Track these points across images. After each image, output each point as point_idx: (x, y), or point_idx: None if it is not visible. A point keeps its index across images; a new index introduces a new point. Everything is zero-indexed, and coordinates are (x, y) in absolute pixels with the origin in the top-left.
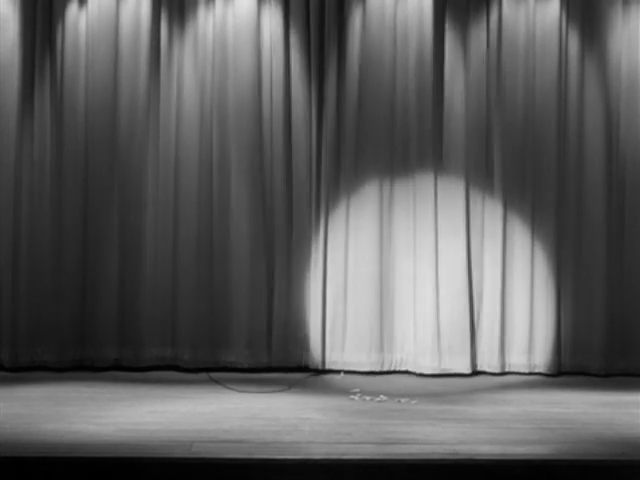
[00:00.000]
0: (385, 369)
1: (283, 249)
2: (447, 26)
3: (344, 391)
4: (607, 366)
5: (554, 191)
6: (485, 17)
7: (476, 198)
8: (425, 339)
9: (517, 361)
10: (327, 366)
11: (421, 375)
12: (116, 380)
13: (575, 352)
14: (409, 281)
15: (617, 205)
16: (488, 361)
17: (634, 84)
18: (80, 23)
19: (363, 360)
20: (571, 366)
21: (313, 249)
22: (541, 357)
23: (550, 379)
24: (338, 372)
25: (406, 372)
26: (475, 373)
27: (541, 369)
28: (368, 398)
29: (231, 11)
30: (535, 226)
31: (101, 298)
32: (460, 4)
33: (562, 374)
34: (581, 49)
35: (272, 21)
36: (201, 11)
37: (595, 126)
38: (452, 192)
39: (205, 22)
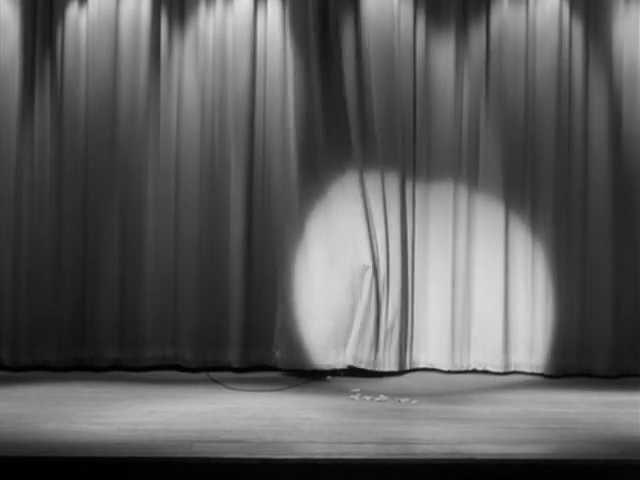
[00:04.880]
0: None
1: (285, 249)
2: (440, 30)
3: (344, 391)
4: (609, 367)
5: (554, 189)
6: (484, 14)
7: (472, 197)
8: (426, 339)
9: (519, 361)
10: (329, 367)
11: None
12: (116, 380)
13: (575, 352)
14: (408, 282)
15: (624, 201)
16: (490, 361)
17: (637, 78)
18: (80, 23)
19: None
20: (573, 366)
21: (316, 249)
22: (542, 357)
23: (551, 379)
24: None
25: (401, 371)
26: (476, 372)
27: (542, 369)
28: (368, 398)
29: (231, 11)
30: (539, 225)
31: (101, 298)
32: (455, 7)
33: (563, 374)
34: (585, 44)
35: (272, 21)
36: (201, 11)
37: (600, 124)
38: (447, 193)
39: (205, 22)
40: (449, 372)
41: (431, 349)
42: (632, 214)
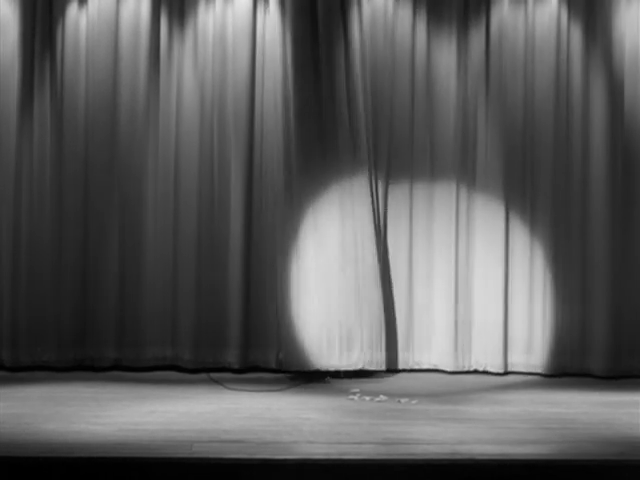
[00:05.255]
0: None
1: (285, 248)
2: (441, 30)
3: (344, 391)
4: (609, 367)
5: (554, 190)
6: (484, 17)
7: (472, 198)
8: (425, 338)
9: (519, 361)
10: (331, 368)
11: (412, 371)
12: (116, 380)
13: (577, 352)
14: (405, 282)
15: (622, 202)
16: (490, 361)
17: (637, 76)
18: (80, 23)
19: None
20: (572, 366)
21: (316, 249)
22: (542, 357)
23: (551, 379)
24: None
25: (401, 371)
26: (477, 373)
27: (542, 369)
28: (368, 398)
29: (231, 10)
30: (537, 225)
31: (101, 297)
32: (456, 7)
33: (563, 374)
34: (584, 41)
35: (271, 20)
36: (201, 10)
37: (599, 123)
38: (448, 194)
39: (205, 21)
40: (451, 373)
41: (434, 350)
42: (631, 214)
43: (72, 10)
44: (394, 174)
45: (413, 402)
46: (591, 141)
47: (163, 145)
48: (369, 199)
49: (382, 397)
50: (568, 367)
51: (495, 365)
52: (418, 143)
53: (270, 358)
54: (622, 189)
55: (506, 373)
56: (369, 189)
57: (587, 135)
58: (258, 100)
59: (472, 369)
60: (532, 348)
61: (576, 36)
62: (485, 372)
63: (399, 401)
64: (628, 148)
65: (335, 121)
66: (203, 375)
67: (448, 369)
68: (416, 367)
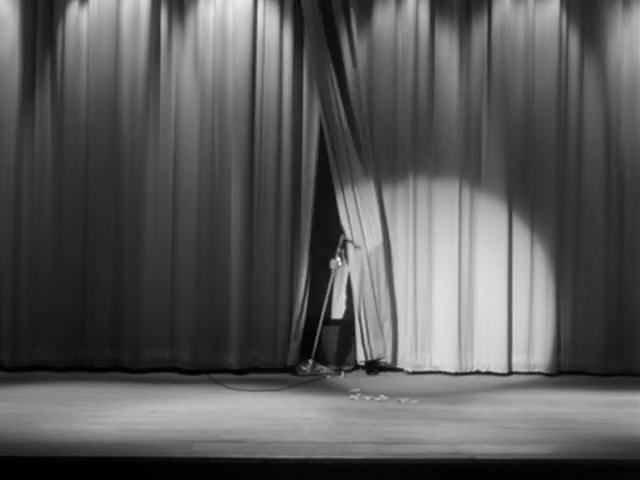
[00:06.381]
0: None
1: (284, 249)
2: (443, 29)
3: (344, 391)
4: (606, 366)
5: (554, 192)
6: (485, 18)
7: (474, 199)
8: (427, 340)
9: (520, 361)
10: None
11: (414, 373)
12: (116, 380)
13: (575, 352)
14: (404, 282)
15: (616, 206)
16: (492, 362)
17: (635, 85)
18: (81, 22)
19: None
20: (571, 366)
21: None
22: (541, 357)
23: (550, 379)
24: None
25: (400, 370)
26: (475, 373)
27: (541, 369)
28: (368, 398)
29: (231, 7)
30: (535, 227)
31: (101, 298)
32: (458, 6)
33: (562, 374)
34: (581, 50)
35: (271, 17)
36: (201, 8)
37: (595, 127)
38: (450, 194)
39: (205, 19)
40: (454, 374)
41: (436, 351)
42: (626, 214)
43: (73, 9)
44: (396, 174)
45: (413, 402)
46: (590, 141)
47: (163, 145)
48: (372, 200)
49: (382, 397)
50: (569, 367)
51: (498, 365)
52: (420, 143)
53: (271, 358)
54: (617, 193)
55: (509, 373)
56: (372, 190)
57: (584, 136)
58: (258, 97)
59: (475, 370)
60: (533, 348)
61: (575, 35)
62: (488, 373)
63: (399, 401)
64: (626, 147)
65: (338, 119)
66: (203, 375)
67: (450, 370)
68: (418, 369)
